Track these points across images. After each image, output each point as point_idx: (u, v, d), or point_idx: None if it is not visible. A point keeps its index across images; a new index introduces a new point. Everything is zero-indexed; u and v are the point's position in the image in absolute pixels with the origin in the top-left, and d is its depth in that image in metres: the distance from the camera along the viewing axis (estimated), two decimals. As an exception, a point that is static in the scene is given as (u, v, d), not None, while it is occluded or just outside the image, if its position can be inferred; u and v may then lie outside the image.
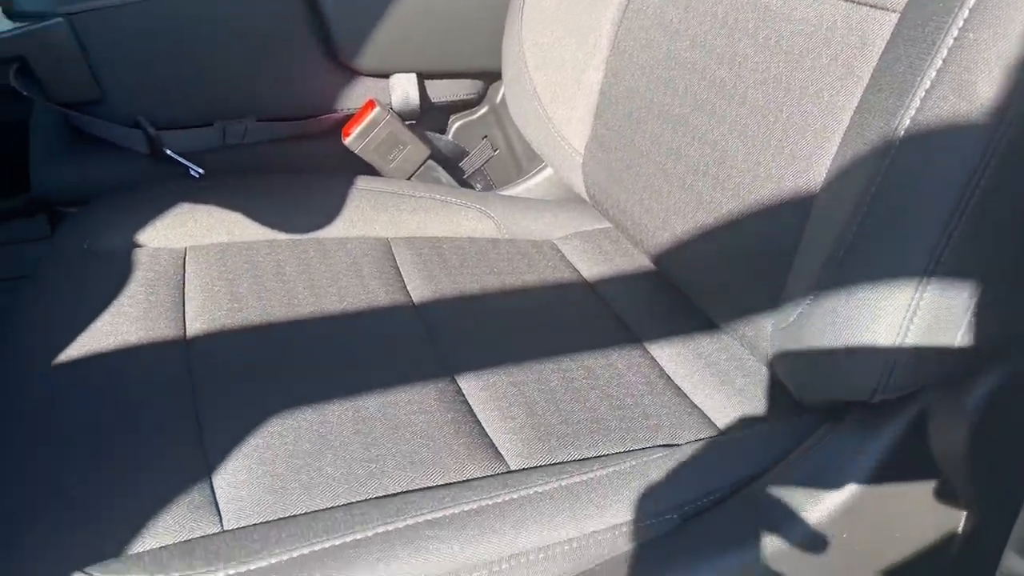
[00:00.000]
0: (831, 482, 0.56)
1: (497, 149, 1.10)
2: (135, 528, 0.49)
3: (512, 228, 0.93)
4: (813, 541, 0.55)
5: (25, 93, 0.87)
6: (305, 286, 0.76)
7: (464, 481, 0.56)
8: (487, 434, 0.62)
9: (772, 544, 0.54)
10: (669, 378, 0.71)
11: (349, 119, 1.00)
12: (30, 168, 0.93)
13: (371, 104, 0.99)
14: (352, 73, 1.01)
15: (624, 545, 0.52)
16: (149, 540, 0.49)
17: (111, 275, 0.75)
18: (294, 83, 0.99)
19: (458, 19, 1.00)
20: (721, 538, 0.54)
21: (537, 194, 1.03)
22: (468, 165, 1.10)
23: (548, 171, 1.03)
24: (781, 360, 0.60)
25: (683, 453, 0.59)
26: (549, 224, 0.95)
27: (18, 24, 0.86)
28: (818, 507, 0.55)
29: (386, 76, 1.02)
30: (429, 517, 0.50)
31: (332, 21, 0.96)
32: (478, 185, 1.10)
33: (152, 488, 0.52)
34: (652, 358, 0.74)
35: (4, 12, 0.86)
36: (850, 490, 0.55)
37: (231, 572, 0.44)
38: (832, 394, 0.54)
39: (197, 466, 0.54)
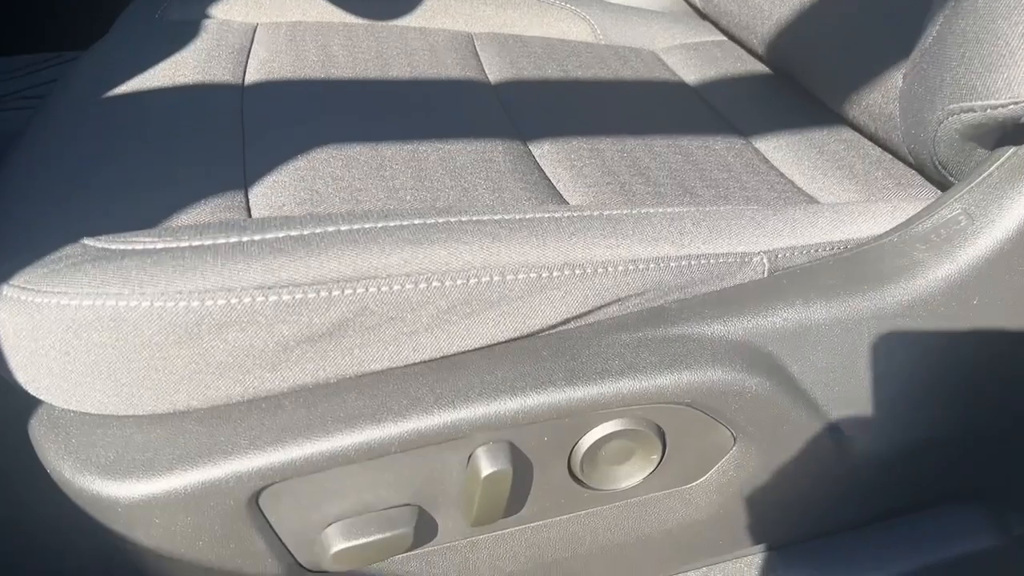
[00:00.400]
0: (960, 240, 0.46)
1: (600, -38, 1.00)
2: (157, 216, 0.44)
3: (610, 34, 0.84)
4: (920, 305, 0.46)
5: None
6: (375, 58, 0.70)
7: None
8: (555, 187, 0.55)
9: (872, 301, 0.45)
10: (774, 166, 0.62)
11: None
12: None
13: None
14: None
15: (700, 280, 0.44)
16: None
17: (177, 38, 0.71)
18: None
19: None
20: (814, 290, 0.45)
21: (639, 4, 0.93)
22: (567, -21, 1.00)
23: (654, -21, 0.93)
24: (912, 108, 0.50)
25: (782, 209, 0.50)
26: (651, 33, 0.85)
27: None
28: (940, 267, 0.46)
29: None
30: (474, 218, 0.43)
31: None
32: (577, 5, 1.01)
33: (183, 188, 0.47)
34: (756, 148, 0.64)
35: None
36: (985, 248, 0.45)
37: (244, 239, 0.39)
38: (978, 114, 0.43)
39: (234, 176, 0.49)
